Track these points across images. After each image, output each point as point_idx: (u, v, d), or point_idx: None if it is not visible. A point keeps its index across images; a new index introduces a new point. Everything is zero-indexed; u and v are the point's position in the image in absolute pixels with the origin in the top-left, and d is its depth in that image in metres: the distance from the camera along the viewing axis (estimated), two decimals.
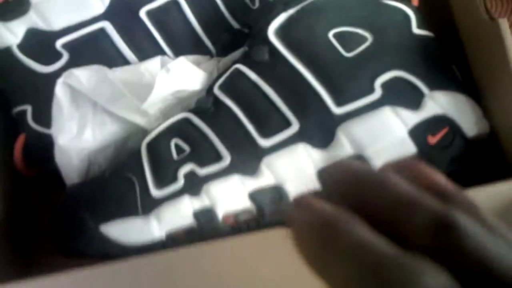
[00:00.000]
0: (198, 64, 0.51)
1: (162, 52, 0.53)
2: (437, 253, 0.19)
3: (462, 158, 0.45)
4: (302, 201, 0.23)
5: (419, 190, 0.21)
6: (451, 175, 0.44)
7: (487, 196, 0.41)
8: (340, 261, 0.20)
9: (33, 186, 0.57)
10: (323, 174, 0.24)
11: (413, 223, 0.20)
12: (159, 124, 0.49)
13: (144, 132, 0.50)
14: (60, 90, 0.49)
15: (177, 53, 0.53)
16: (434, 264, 0.18)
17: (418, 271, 0.18)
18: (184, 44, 0.54)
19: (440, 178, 0.22)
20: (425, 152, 0.45)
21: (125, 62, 0.53)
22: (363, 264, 0.19)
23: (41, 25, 0.53)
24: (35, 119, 0.52)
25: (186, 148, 0.47)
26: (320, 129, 0.46)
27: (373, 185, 0.22)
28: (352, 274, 0.19)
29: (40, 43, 0.53)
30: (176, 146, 0.47)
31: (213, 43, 0.54)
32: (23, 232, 0.55)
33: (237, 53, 0.52)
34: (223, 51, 0.54)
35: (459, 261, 0.19)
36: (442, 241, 0.19)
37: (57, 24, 0.53)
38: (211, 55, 0.54)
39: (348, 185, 0.23)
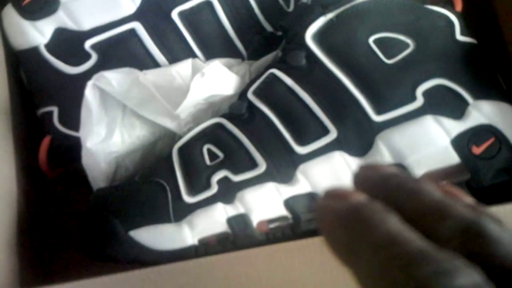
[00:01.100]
0: (229, 67, 0.50)
1: (193, 54, 0.52)
2: (468, 257, 0.19)
3: (509, 169, 0.43)
4: (333, 190, 0.22)
5: (451, 198, 0.21)
6: (497, 186, 0.43)
7: None
8: (370, 251, 0.19)
9: (56, 186, 0.56)
10: (358, 175, 0.24)
11: (444, 227, 0.20)
12: (190, 129, 0.47)
13: (173, 136, 0.49)
14: (90, 92, 0.48)
15: (208, 55, 0.52)
16: (468, 263, 0.18)
17: (452, 268, 0.18)
18: (215, 46, 0.52)
19: (467, 197, 0.23)
20: (469, 162, 0.43)
21: (155, 64, 0.52)
22: (394, 256, 0.19)
23: (70, 25, 0.52)
24: (62, 120, 0.51)
25: (220, 154, 0.45)
26: (358, 137, 0.45)
27: (406, 187, 0.22)
28: (381, 265, 0.19)
29: (68, 43, 0.52)
30: (209, 151, 0.45)
31: (245, 46, 0.53)
32: (45, 233, 0.54)
33: (269, 57, 0.51)
34: (254, 54, 0.52)
35: (490, 265, 0.19)
36: (472, 246, 0.19)
37: (87, 24, 0.52)
38: (242, 58, 0.53)
39: (381, 186, 0.23)
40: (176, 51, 0.52)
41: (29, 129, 0.54)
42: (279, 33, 0.52)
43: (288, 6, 0.53)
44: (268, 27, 0.53)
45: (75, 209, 0.48)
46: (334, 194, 0.22)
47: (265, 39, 0.53)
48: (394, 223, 0.20)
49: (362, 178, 0.24)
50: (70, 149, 0.50)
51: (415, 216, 0.21)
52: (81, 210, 0.46)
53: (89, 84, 0.47)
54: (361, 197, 0.21)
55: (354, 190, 0.23)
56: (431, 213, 0.21)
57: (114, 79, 0.47)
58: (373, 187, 0.23)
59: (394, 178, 0.22)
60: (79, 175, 0.49)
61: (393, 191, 0.22)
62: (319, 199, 0.23)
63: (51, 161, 0.51)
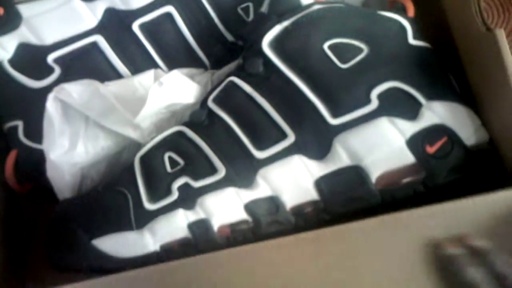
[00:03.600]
0: (192, 76, 0.51)
1: (155, 65, 0.53)
2: None
3: (462, 167, 0.44)
4: None
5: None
6: (451, 184, 0.44)
7: (487, 204, 0.40)
8: None
9: (26, 201, 0.56)
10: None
11: None
12: (153, 138, 0.48)
13: (138, 146, 0.49)
14: (51, 105, 0.49)
15: (171, 66, 0.53)
16: None
17: None
18: (177, 56, 0.53)
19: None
20: (424, 162, 0.44)
21: (118, 75, 0.52)
22: None
23: (33, 40, 0.52)
24: (27, 134, 0.51)
25: (180, 161, 0.46)
26: (316, 141, 0.45)
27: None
28: None
29: (31, 58, 0.52)
30: (170, 159, 0.46)
31: (207, 56, 0.54)
32: (16, 247, 0.54)
33: (231, 66, 0.52)
34: (217, 63, 0.53)
35: None
36: None
37: (49, 38, 0.52)
38: (205, 68, 0.53)
39: None
40: (139, 63, 0.53)
41: None
42: (240, 42, 0.53)
43: (248, 15, 0.54)
44: (229, 37, 0.54)
45: (45, 222, 0.48)
46: None
47: (226, 49, 0.54)
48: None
49: None
50: (37, 163, 0.50)
51: None
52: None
53: (50, 97, 0.48)
54: None
55: None
56: None
57: (75, 91, 0.48)
58: None
59: None
60: (49, 189, 0.49)
61: None
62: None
63: (19, 175, 0.52)
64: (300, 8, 0.49)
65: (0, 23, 0.52)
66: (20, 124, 0.51)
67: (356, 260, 0.41)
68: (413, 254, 0.41)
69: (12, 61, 0.52)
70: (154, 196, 0.45)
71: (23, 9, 0.53)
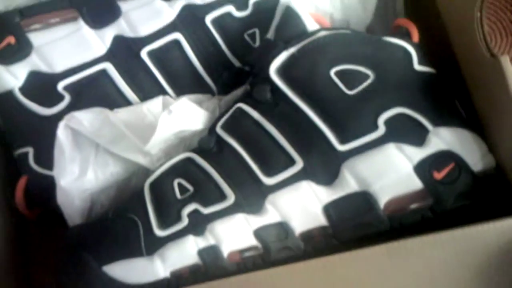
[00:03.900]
0: (199, 103, 0.51)
1: (164, 92, 0.53)
2: None
3: (469, 193, 0.44)
4: None
5: None
6: (459, 210, 0.44)
7: (496, 231, 0.40)
8: None
9: (35, 226, 0.56)
10: None
11: None
12: (162, 164, 0.48)
13: (147, 172, 0.50)
14: (62, 132, 0.49)
15: (179, 92, 0.54)
16: None
17: None
18: (185, 83, 0.54)
19: None
20: (431, 188, 0.44)
21: (127, 102, 0.53)
22: None
23: (43, 68, 0.53)
24: (37, 161, 0.52)
25: (190, 187, 0.46)
26: (324, 167, 0.46)
27: None
28: None
29: (42, 85, 0.53)
30: (180, 185, 0.47)
31: (214, 81, 0.54)
32: (24, 272, 0.55)
33: (238, 91, 0.52)
34: (224, 89, 0.54)
35: None
36: None
37: (59, 66, 0.53)
38: (212, 93, 0.54)
39: None
40: (147, 89, 0.54)
41: (7, 170, 0.54)
42: (247, 68, 0.54)
43: (254, 42, 0.55)
44: (236, 63, 0.55)
45: (55, 248, 0.48)
46: None
47: (233, 74, 0.54)
48: None
49: None
50: (47, 189, 0.50)
51: None
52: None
53: (61, 125, 0.49)
54: None
55: None
56: None
57: (85, 119, 0.49)
58: None
59: None
60: (58, 214, 0.50)
61: None
62: None
63: (29, 201, 0.52)
64: (306, 34, 0.50)
65: (11, 52, 0.53)
66: (30, 150, 0.52)
67: (365, 287, 0.41)
68: (422, 282, 0.41)
69: (23, 89, 0.53)
70: (164, 222, 0.45)
71: (33, 37, 0.53)
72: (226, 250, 0.44)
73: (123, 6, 0.54)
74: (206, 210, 0.45)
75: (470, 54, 0.49)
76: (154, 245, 0.44)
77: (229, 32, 0.55)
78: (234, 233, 0.45)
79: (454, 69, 0.51)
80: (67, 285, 0.45)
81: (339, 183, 0.46)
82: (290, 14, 0.52)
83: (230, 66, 0.55)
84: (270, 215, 0.45)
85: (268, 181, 0.46)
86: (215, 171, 0.47)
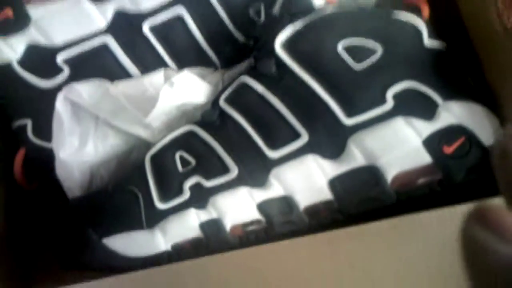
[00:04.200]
0: (202, 76, 0.50)
1: (165, 65, 0.52)
2: None
3: (480, 167, 0.43)
4: None
5: None
6: (470, 184, 0.43)
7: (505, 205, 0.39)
8: None
9: (34, 199, 0.55)
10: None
11: None
12: (163, 137, 0.47)
13: (148, 145, 0.49)
14: (60, 104, 0.48)
15: (181, 66, 0.52)
16: None
17: None
18: (188, 57, 0.53)
19: None
20: (441, 162, 0.43)
21: (128, 76, 0.52)
22: None
23: (42, 41, 0.52)
24: (35, 133, 0.51)
25: (192, 160, 0.45)
26: (330, 140, 0.45)
27: None
28: None
29: (40, 58, 0.52)
30: (181, 158, 0.46)
31: (218, 56, 0.53)
32: (24, 245, 0.54)
33: (242, 66, 0.51)
34: (227, 63, 0.53)
35: None
36: None
37: (58, 39, 0.52)
38: (216, 68, 0.53)
39: None
40: (149, 63, 0.52)
41: (5, 142, 0.54)
42: (251, 43, 0.52)
43: (259, 16, 0.54)
44: (240, 37, 0.53)
45: (53, 220, 0.48)
46: None
47: (236, 49, 0.53)
48: None
49: None
50: (46, 161, 0.50)
51: None
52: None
53: (60, 97, 0.48)
54: None
55: None
56: None
57: (85, 91, 0.48)
58: None
59: None
60: (57, 186, 0.49)
61: None
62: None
63: (27, 173, 0.51)
64: (312, 9, 0.49)
65: (9, 24, 0.52)
66: (28, 122, 0.51)
67: (371, 261, 0.40)
68: (429, 256, 0.40)
69: (21, 62, 0.52)
70: (166, 195, 0.44)
71: (32, 10, 0.52)
72: (228, 223, 0.43)
73: None
74: (208, 183, 0.44)
75: (482, 28, 0.48)
76: (155, 218, 0.44)
77: (233, 6, 0.53)
78: (237, 207, 0.44)
79: (466, 43, 0.50)
80: (66, 258, 0.44)
81: (345, 157, 0.44)
82: None
83: (234, 40, 0.53)
84: (274, 189, 0.44)
85: (273, 154, 0.45)
86: (218, 144, 0.46)
